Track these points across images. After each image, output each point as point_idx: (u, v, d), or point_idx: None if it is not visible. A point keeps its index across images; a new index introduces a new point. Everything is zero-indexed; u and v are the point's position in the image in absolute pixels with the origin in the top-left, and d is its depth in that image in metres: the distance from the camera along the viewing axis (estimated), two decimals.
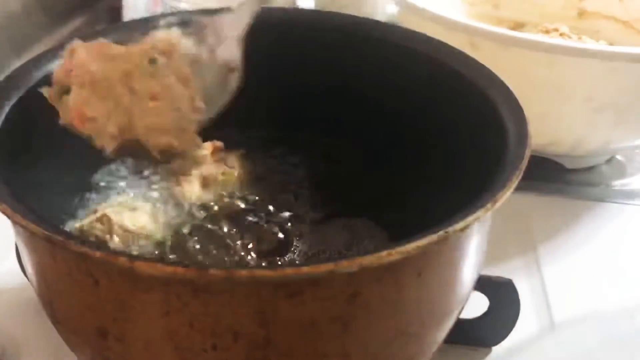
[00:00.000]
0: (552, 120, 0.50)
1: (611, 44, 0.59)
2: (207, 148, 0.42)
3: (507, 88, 0.35)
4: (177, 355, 0.28)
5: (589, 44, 0.48)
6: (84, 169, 0.41)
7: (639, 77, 0.48)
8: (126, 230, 0.37)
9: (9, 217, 0.28)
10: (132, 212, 0.37)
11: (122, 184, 0.41)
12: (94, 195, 0.40)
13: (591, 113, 0.50)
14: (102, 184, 0.41)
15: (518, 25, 0.66)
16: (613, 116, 0.50)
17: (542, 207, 0.53)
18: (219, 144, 0.42)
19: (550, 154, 0.54)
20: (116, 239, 0.36)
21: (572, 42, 0.49)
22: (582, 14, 0.65)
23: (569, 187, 0.56)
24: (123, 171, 0.41)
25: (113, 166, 0.41)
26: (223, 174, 0.41)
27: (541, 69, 0.48)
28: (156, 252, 0.37)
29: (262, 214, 0.40)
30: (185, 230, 0.38)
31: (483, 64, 0.37)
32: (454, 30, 0.48)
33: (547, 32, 0.60)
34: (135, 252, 0.36)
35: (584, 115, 0.50)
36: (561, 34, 0.59)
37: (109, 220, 0.37)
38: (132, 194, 0.40)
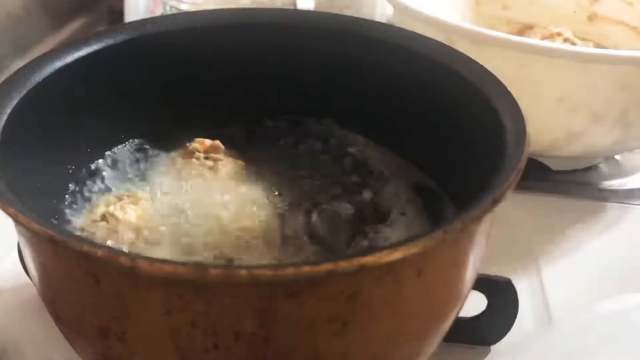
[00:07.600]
0: (527, 120, 0.50)
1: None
2: (200, 143, 0.42)
3: (505, 87, 0.35)
4: (178, 355, 0.28)
5: (560, 44, 0.48)
6: (85, 167, 0.41)
7: (612, 79, 0.47)
8: (131, 225, 0.37)
9: (11, 217, 0.28)
10: (134, 205, 0.38)
11: (123, 179, 0.41)
12: (95, 194, 0.40)
13: (566, 114, 0.49)
14: (103, 181, 0.41)
15: (527, 27, 0.65)
16: (588, 117, 0.50)
17: (541, 206, 0.53)
18: (208, 141, 0.42)
19: (531, 154, 0.53)
20: (123, 235, 0.36)
21: (543, 42, 0.48)
22: (592, 18, 0.64)
23: (567, 187, 0.56)
24: (123, 168, 0.42)
25: (113, 163, 0.42)
26: (210, 168, 0.41)
27: (513, 68, 0.47)
28: (166, 244, 0.37)
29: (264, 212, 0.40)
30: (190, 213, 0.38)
31: (480, 63, 0.37)
32: (431, 26, 0.48)
33: (550, 36, 0.59)
34: (142, 246, 0.36)
35: (559, 116, 0.50)
36: (565, 39, 0.59)
37: (113, 216, 0.37)
38: (132, 189, 0.40)
